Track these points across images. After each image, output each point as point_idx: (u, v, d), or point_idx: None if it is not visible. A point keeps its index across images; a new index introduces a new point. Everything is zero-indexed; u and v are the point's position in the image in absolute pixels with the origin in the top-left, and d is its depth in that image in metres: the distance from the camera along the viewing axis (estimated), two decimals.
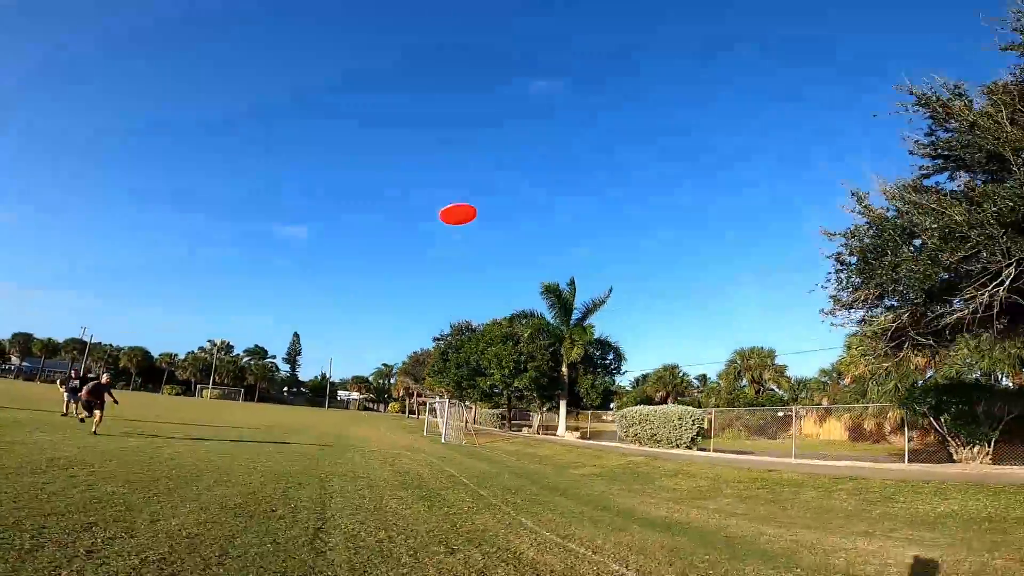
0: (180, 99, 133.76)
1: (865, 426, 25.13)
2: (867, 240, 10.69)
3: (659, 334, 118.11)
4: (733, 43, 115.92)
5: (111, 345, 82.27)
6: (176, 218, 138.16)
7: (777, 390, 37.20)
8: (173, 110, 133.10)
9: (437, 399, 34.42)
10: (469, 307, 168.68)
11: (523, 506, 8.84)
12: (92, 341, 76.74)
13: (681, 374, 49.35)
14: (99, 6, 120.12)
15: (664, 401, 43.69)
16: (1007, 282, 7.58)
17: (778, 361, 37.70)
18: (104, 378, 13.29)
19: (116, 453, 9.73)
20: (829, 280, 11.39)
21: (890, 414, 22.43)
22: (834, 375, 32.24)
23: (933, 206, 8.61)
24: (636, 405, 29.98)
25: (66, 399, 15.76)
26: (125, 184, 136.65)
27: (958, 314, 8.46)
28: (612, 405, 49.42)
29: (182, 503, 6.12)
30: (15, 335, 78.71)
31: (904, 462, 13.42)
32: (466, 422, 40.80)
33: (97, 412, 12.61)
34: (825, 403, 30.30)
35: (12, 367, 76.07)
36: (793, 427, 19.10)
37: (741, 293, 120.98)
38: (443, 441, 26.02)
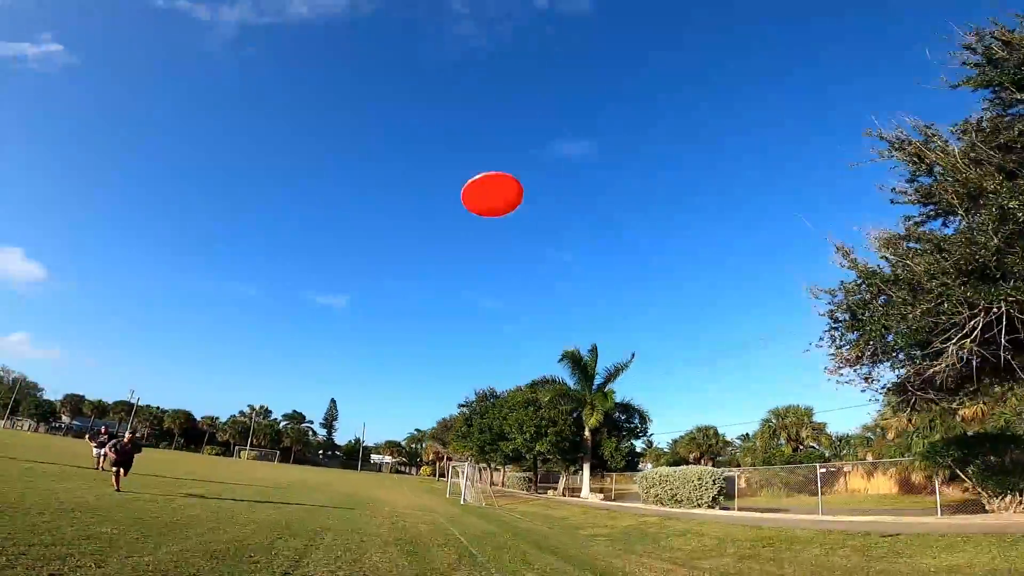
0: (227, 170, 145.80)
1: (913, 479, 23.28)
2: (857, 296, 10.29)
3: (697, 395, 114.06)
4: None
5: (157, 408, 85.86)
6: (222, 287, 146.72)
7: (817, 447, 35.10)
8: (220, 182, 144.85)
9: (465, 462, 34.63)
10: (497, 374, 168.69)
11: (507, 565, 8.75)
12: (139, 403, 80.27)
13: (721, 434, 48.18)
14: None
15: (698, 462, 41.90)
16: (972, 334, 7.20)
17: (817, 418, 36.02)
18: (127, 437, 13.91)
19: (128, 502, 10.29)
20: (823, 339, 10.76)
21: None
22: (878, 430, 30.32)
23: (899, 258, 8.52)
24: (669, 466, 29.20)
25: (95, 454, 16.69)
26: (173, 256, 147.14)
27: (934, 369, 8.09)
28: (649, 466, 47.63)
29: (166, 545, 6.52)
30: (66, 396, 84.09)
31: (937, 514, 12.50)
32: (490, 484, 40.06)
33: (121, 469, 13.14)
34: (869, 458, 28.44)
35: (63, 425, 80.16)
36: (818, 484, 18.02)
37: (779, 352, 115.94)
38: (462, 503, 25.58)
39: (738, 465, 38.91)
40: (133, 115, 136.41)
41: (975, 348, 7.37)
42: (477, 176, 4.28)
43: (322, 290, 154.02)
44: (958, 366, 7.97)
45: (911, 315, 7.67)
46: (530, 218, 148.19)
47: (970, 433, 19.78)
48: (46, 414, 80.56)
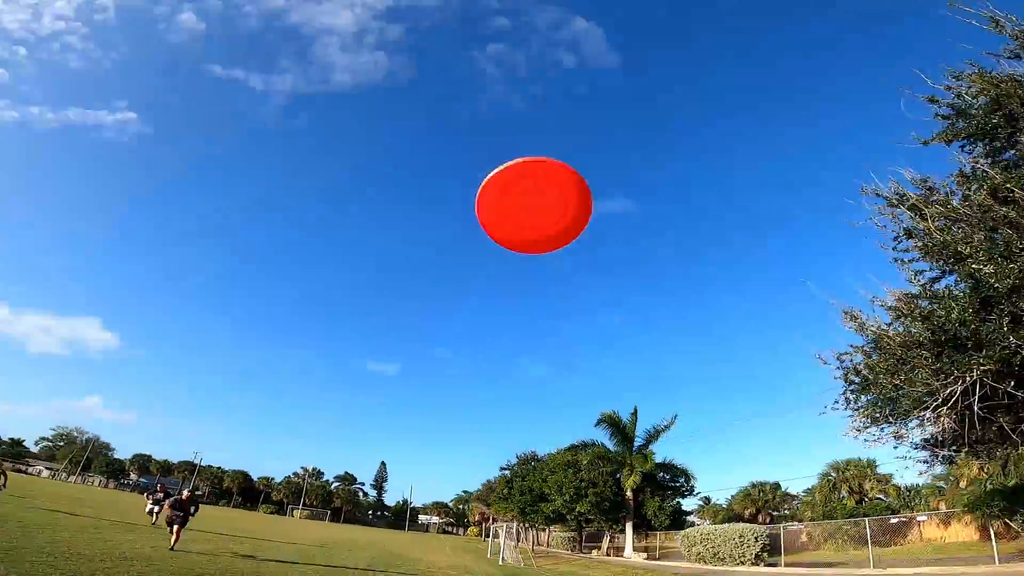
0: (284, 244, 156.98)
1: (992, 526, 21.38)
2: (866, 359, 9.66)
3: (759, 450, 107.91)
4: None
5: (218, 468, 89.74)
6: (282, 354, 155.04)
7: (884, 498, 32.53)
8: (276, 258, 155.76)
9: (505, 523, 34.64)
10: (541, 436, 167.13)
11: None
12: (201, 464, 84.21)
13: (784, 489, 45.78)
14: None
15: (753, 518, 39.57)
16: (949, 401, 7.04)
17: (884, 469, 33.63)
18: (184, 494, 14.52)
19: (181, 555, 11.31)
20: (838, 402, 10.18)
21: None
22: (950, 479, 27.89)
23: (888, 324, 8.46)
24: (725, 523, 28.02)
25: (154, 510, 17.93)
26: (236, 326, 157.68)
27: (926, 435, 7.92)
28: (707, 522, 45.32)
29: None
30: (135, 455, 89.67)
31: (995, 563, 11.74)
32: (532, 544, 39.14)
33: (176, 527, 13.37)
34: (943, 507, 26.21)
35: (130, 482, 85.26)
36: (868, 536, 17.00)
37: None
38: (500, 563, 25.25)
39: (800, 520, 36.80)
40: (195, 187, 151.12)
41: (946, 421, 7.24)
42: (502, 167, 2.46)
43: (375, 358, 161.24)
44: (946, 431, 7.77)
45: (889, 384, 7.66)
46: (579, 276, 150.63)
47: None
48: (116, 472, 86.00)
